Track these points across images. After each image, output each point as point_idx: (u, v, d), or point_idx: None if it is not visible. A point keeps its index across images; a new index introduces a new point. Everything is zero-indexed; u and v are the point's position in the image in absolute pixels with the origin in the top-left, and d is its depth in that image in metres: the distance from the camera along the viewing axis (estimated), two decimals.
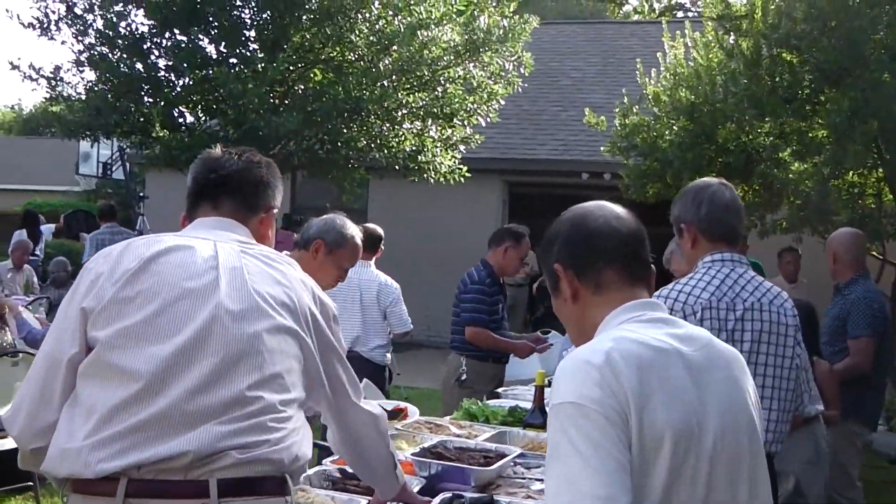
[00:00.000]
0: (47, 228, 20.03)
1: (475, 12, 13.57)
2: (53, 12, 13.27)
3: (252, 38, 13.89)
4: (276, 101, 13.00)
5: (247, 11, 13.74)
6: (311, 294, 2.68)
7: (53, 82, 13.22)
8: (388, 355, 7.43)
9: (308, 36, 13.18)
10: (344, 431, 2.94)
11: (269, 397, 2.40)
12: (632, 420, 1.89)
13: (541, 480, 3.66)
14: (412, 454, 3.81)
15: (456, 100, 13.22)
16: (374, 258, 7.35)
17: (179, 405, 2.29)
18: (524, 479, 3.77)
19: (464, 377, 6.49)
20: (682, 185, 4.13)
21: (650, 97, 12.05)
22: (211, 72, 12.47)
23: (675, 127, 11.55)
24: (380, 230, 7.51)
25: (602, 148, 13.22)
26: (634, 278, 2.19)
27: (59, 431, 2.34)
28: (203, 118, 13.79)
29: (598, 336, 2.11)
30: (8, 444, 6.11)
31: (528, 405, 4.92)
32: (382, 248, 7.53)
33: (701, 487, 1.98)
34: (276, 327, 2.48)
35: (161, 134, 12.03)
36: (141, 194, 19.07)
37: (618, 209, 2.28)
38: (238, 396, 2.35)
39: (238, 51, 13.47)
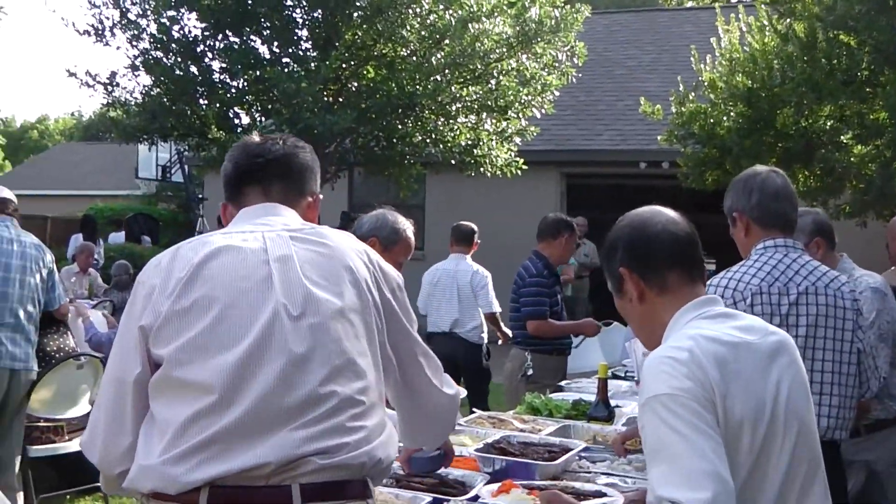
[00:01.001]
0: (117, 236, 20.27)
1: (526, 3, 13.51)
2: (108, 18, 13.47)
3: (304, 38, 13.98)
4: (330, 99, 13.06)
5: (298, 11, 13.82)
6: (367, 261, 2.57)
7: (110, 88, 13.40)
8: (484, 335, 8.12)
9: (359, 33, 13.22)
10: (415, 407, 2.82)
11: (342, 390, 2.31)
12: (718, 408, 2.09)
13: (606, 474, 3.63)
14: (476, 450, 3.78)
15: (510, 92, 13.19)
16: (470, 251, 8.20)
17: (254, 413, 2.22)
18: (589, 472, 3.74)
19: (530, 372, 6.46)
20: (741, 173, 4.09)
21: (706, 84, 11.91)
22: (264, 72, 12.56)
23: (732, 113, 11.41)
24: (473, 226, 8.26)
25: (659, 137, 13.09)
26: (694, 277, 2.40)
27: (138, 450, 2.29)
28: (258, 118, 13.90)
29: (670, 334, 2.31)
30: (74, 446, 6.22)
31: (592, 398, 4.88)
32: (478, 241, 8.30)
33: (782, 465, 2.18)
34: (337, 311, 2.38)
35: (217, 135, 12.14)
36: (200, 196, 19.27)
37: (672, 214, 2.44)
38: (311, 395, 2.27)
39: (290, 50, 13.56)
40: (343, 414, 2.30)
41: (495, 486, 3.29)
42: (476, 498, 3.26)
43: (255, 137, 2.75)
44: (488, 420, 4.58)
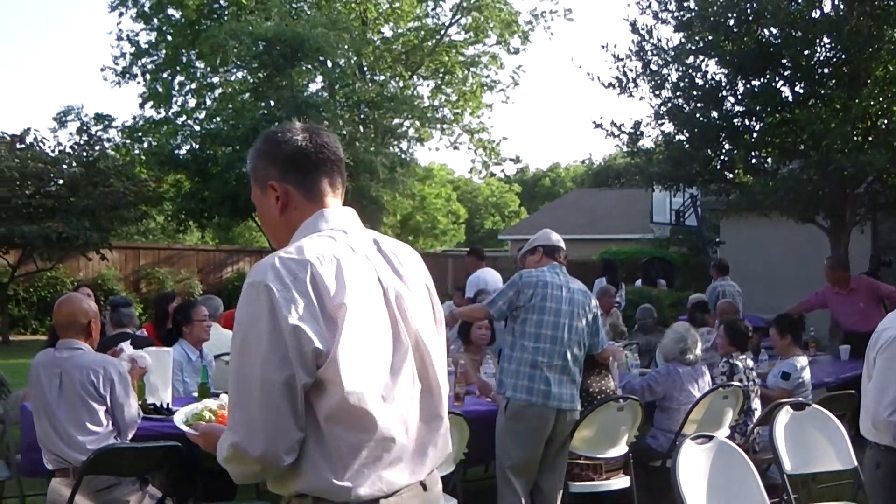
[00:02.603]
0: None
1: None
2: (631, 70, 13.94)
3: (827, 76, 13.50)
4: (859, 138, 12.47)
5: (820, 49, 13.37)
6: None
7: (634, 137, 13.83)
8: None
9: (890, 68, 12.50)
10: None
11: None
12: None
13: None
14: None
15: None
16: None
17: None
18: None
19: None
20: None
21: None
22: (789, 114, 12.30)
23: None
24: None
25: None
26: None
27: None
28: (782, 161, 13.63)
29: None
30: (612, 484, 6.40)
31: None
32: None
33: None
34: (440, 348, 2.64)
35: (744, 179, 12.07)
36: (717, 239, 19.24)
37: None
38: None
39: (815, 90, 13.15)
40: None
41: None
42: None
43: (308, 126, 2.63)
44: None
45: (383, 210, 24.13)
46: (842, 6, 12.79)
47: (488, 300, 6.33)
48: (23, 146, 19.32)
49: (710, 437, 5.05)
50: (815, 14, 12.82)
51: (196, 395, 5.91)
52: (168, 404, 5.80)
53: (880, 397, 4.26)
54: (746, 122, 13.53)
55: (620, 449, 6.52)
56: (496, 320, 6.25)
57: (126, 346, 5.69)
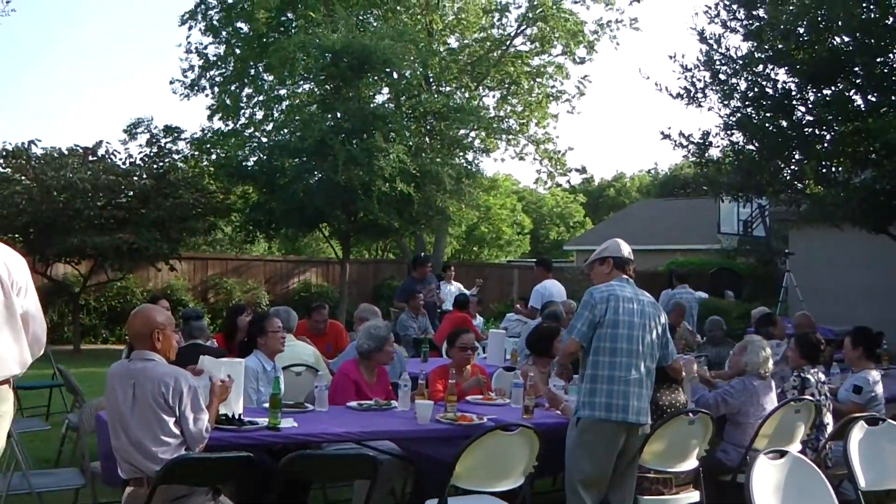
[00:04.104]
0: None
1: None
2: (699, 80, 13.82)
3: None
4: None
5: (893, 57, 13.12)
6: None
7: (703, 147, 13.70)
8: None
9: None
10: None
11: None
12: None
13: None
14: None
15: None
16: None
17: None
18: None
19: None
20: None
21: None
22: (861, 123, 12.10)
23: None
24: None
25: None
26: None
27: None
28: (854, 170, 13.41)
29: None
30: (682, 499, 6.31)
31: None
32: None
33: None
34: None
35: (816, 190, 11.91)
36: (786, 251, 18.97)
37: None
38: None
39: (888, 98, 12.92)
40: None
41: None
42: None
43: None
44: None
45: (449, 220, 24.12)
46: None
47: (568, 331, 6.24)
48: (94, 158, 19.66)
49: (784, 453, 4.98)
50: (889, 21, 12.59)
51: (267, 405, 5.95)
52: (240, 415, 5.86)
53: None
54: (817, 131, 13.34)
55: (691, 463, 6.44)
56: (586, 344, 6.08)
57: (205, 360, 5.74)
